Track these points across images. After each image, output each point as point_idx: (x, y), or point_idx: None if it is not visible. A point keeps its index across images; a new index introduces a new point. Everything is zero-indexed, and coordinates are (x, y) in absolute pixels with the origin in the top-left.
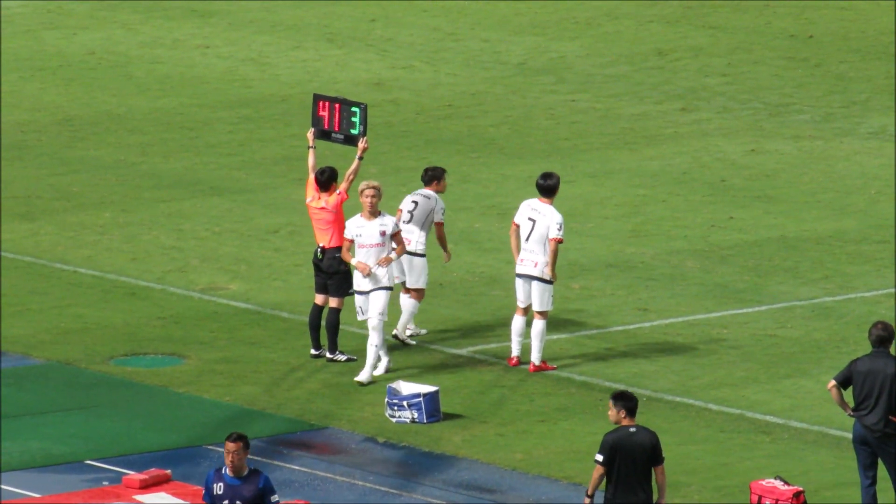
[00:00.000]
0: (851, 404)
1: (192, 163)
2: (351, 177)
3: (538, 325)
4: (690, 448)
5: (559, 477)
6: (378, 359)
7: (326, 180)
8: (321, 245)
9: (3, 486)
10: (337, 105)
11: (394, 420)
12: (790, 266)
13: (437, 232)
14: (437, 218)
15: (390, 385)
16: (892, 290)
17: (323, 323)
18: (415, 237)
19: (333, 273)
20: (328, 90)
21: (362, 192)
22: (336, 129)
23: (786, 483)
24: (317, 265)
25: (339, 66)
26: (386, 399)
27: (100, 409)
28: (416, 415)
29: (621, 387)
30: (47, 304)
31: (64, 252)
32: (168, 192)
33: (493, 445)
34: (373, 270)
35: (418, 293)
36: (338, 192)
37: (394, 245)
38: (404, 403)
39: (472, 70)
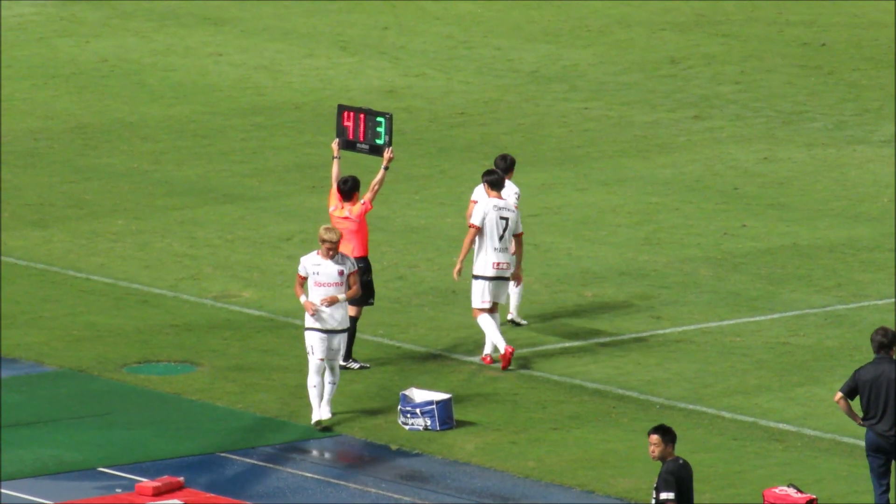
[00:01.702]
0: (860, 413)
1: (205, 170)
2: (376, 187)
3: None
4: (703, 456)
5: (572, 485)
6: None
7: (349, 189)
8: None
9: (16, 494)
10: (362, 115)
11: (407, 427)
12: (803, 274)
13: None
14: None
15: (403, 392)
16: None
17: None
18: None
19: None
20: (341, 98)
21: (322, 242)
22: (361, 139)
23: (799, 491)
24: None
25: (351, 73)
26: (399, 406)
27: (112, 416)
28: (429, 422)
29: (634, 394)
30: (60, 312)
31: (77, 259)
32: (181, 199)
33: (506, 453)
34: (322, 309)
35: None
36: (362, 201)
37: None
38: (417, 411)
39: (485, 78)
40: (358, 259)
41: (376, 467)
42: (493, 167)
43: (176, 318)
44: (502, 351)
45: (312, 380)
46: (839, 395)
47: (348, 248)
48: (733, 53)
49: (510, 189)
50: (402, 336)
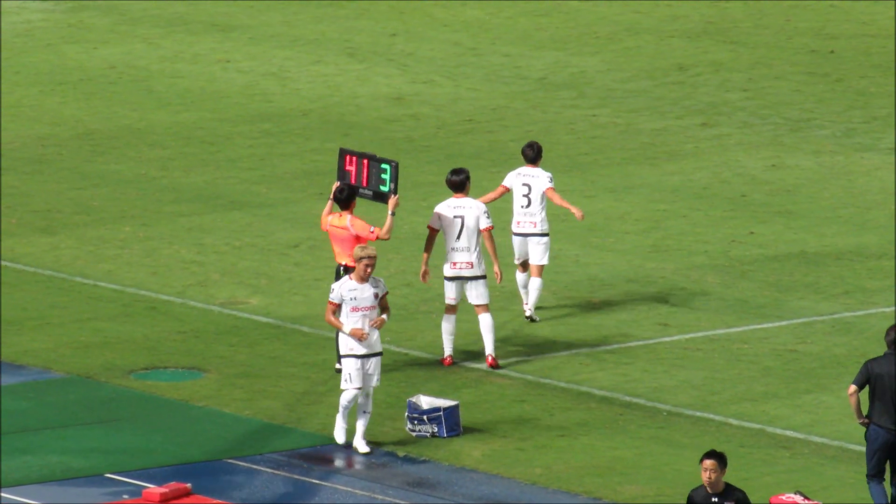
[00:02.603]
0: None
1: (213, 177)
2: (386, 236)
3: (486, 319)
4: None
5: (579, 491)
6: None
7: (346, 199)
8: (343, 264)
9: (24, 500)
10: (365, 161)
11: (414, 434)
12: (810, 281)
13: (556, 200)
14: (547, 185)
15: (410, 399)
16: None
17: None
18: (538, 218)
19: None
20: (349, 105)
21: (360, 260)
22: (364, 184)
23: (806, 498)
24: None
25: (359, 80)
26: (406, 413)
27: (120, 422)
28: (436, 429)
29: (641, 401)
30: (67, 318)
31: (84, 266)
32: (188, 206)
33: (513, 460)
34: (368, 334)
35: (541, 269)
36: (371, 229)
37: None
38: (424, 417)
39: (493, 85)
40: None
41: (383, 474)
42: (529, 146)
43: (183, 325)
44: (445, 356)
45: (343, 401)
46: (853, 387)
47: (346, 255)
48: (741, 61)
49: (543, 175)
50: (410, 343)
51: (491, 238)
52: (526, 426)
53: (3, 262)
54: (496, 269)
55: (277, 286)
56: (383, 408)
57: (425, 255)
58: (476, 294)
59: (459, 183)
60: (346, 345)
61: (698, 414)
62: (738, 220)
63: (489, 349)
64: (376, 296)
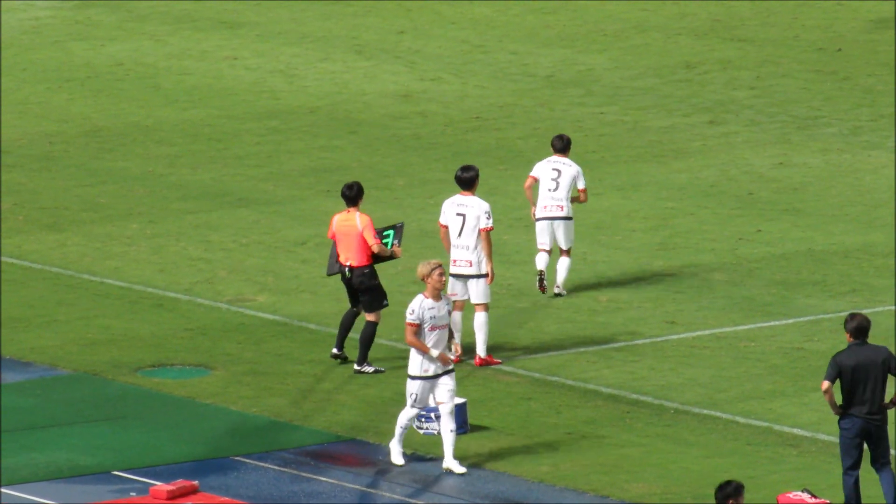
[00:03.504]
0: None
1: (220, 174)
2: (377, 250)
3: (480, 317)
4: (717, 461)
5: (586, 489)
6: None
7: (354, 196)
8: (349, 263)
9: (31, 497)
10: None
11: (421, 432)
12: (818, 279)
13: (582, 198)
14: (581, 185)
15: None
16: None
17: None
18: (565, 203)
19: (365, 289)
20: (356, 102)
21: (431, 273)
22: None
23: (813, 496)
24: (347, 283)
25: (367, 77)
26: None
27: (127, 420)
28: None
29: (648, 399)
30: (74, 315)
31: (91, 263)
32: (195, 203)
33: (520, 458)
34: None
35: (569, 251)
36: (375, 237)
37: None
38: (432, 415)
39: (501, 82)
40: (363, 266)
41: (391, 471)
42: (558, 137)
43: (190, 322)
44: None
45: (403, 420)
46: (826, 383)
47: (353, 255)
48: (749, 58)
49: (572, 168)
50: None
51: (488, 239)
52: (533, 424)
53: (11, 259)
54: (489, 268)
55: (284, 283)
56: (390, 405)
57: (447, 250)
58: (476, 293)
59: (467, 180)
60: (420, 366)
61: (705, 412)
62: (745, 218)
63: (479, 348)
64: (449, 312)
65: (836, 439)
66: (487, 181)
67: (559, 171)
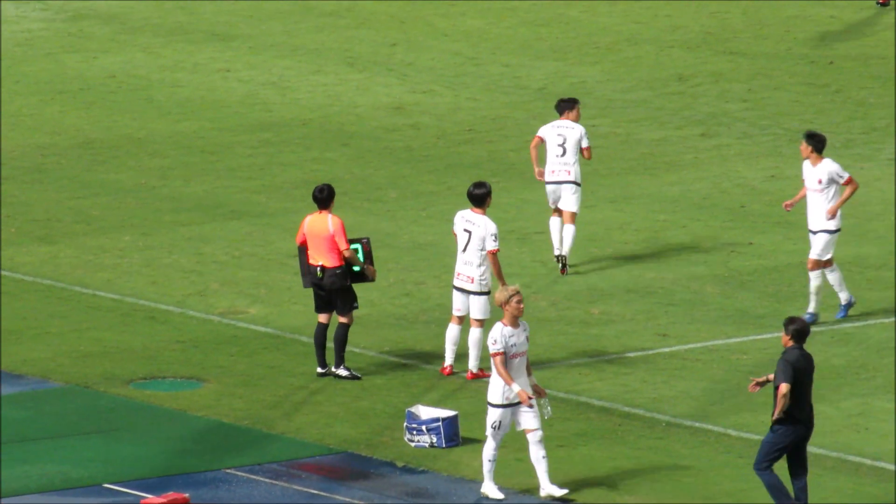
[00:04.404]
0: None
1: (213, 186)
2: (348, 255)
3: (476, 333)
4: (710, 474)
5: (578, 502)
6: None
7: (326, 198)
8: (320, 264)
9: None
10: None
11: (413, 444)
12: (810, 291)
13: (586, 155)
14: (585, 144)
15: (409, 409)
16: None
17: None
18: (572, 167)
19: (337, 290)
20: (349, 114)
21: (510, 300)
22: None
23: None
24: (317, 285)
25: (359, 90)
26: (405, 423)
27: (118, 432)
28: (434, 439)
29: (640, 412)
30: (66, 328)
31: (83, 275)
32: (188, 215)
33: (512, 470)
34: (531, 397)
35: (573, 216)
36: (346, 243)
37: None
38: (423, 428)
39: (493, 95)
40: (335, 267)
41: (382, 484)
42: (562, 100)
43: (183, 335)
44: (445, 364)
45: (489, 453)
46: (787, 385)
47: (324, 257)
48: (741, 71)
49: (575, 130)
50: (409, 353)
51: (495, 260)
52: (524, 437)
53: (3, 272)
54: (500, 282)
55: (277, 296)
56: (382, 417)
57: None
58: (475, 308)
59: (479, 197)
60: (502, 394)
61: (697, 424)
62: (737, 231)
63: (472, 363)
64: (527, 338)
65: (827, 452)
66: None
67: (564, 137)
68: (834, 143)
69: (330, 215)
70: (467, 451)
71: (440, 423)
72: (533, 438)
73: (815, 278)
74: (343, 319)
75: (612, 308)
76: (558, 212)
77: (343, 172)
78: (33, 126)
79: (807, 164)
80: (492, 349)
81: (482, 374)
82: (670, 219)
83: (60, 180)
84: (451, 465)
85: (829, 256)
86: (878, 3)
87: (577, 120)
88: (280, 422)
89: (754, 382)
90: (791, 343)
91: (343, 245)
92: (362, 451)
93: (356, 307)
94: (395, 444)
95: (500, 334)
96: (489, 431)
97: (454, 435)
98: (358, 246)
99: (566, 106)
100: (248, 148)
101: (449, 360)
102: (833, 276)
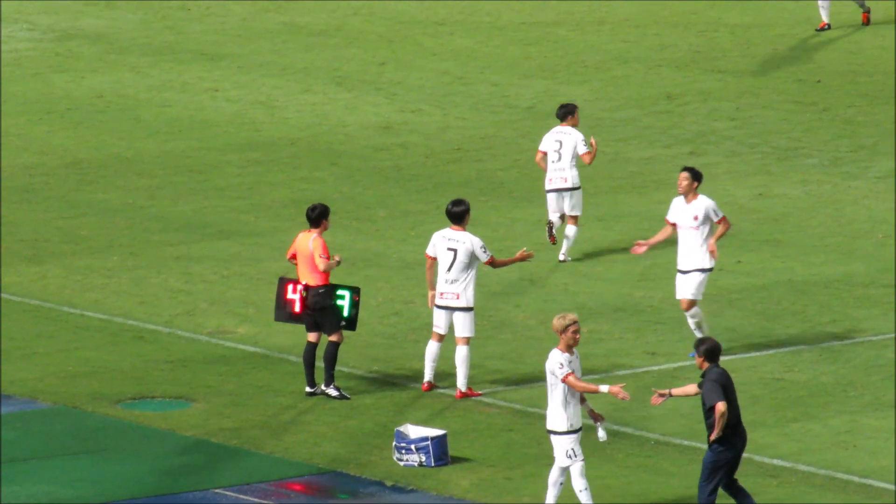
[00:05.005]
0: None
1: (201, 206)
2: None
3: (462, 350)
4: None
5: None
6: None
7: (318, 217)
8: (304, 283)
9: None
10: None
11: (402, 464)
12: (798, 310)
13: (586, 160)
14: (581, 150)
15: (398, 428)
16: None
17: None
18: (568, 173)
19: (320, 309)
20: (337, 133)
21: (566, 329)
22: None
23: None
24: (303, 304)
25: (348, 109)
26: (394, 443)
27: (107, 452)
28: (423, 458)
29: (629, 430)
30: (55, 348)
31: (71, 295)
32: (176, 235)
33: (501, 489)
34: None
35: (576, 219)
36: (324, 257)
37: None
38: (412, 447)
39: (482, 114)
40: (319, 287)
41: (371, 503)
42: (562, 106)
43: (171, 354)
44: (424, 381)
45: (558, 478)
46: (725, 404)
47: (309, 276)
48: (729, 90)
49: (572, 136)
50: (398, 372)
51: (498, 263)
52: (514, 455)
53: None
54: (519, 254)
55: (266, 315)
56: (371, 437)
57: (428, 282)
58: (461, 326)
59: (458, 215)
60: (567, 421)
61: (686, 443)
62: (725, 249)
63: (460, 381)
64: (580, 366)
65: (816, 470)
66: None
67: (560, 143)
68: (822, 161)
69: (314, 235)
70: (456, 470)
71: (429, 443)
72: (575, 470)
73: (691, 317)
74: (332, 338)
75: (601, 326)
76: (562, 218)
77: (332, 192)
78: (21, 146)
79: (679, 202)
80: (560, 374)
81: (471, 393)
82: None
83: (48, 200)
84: (439, 484)
85: (701, 296)
86: (816, 29)
87: (576, 126)
88: (269, 441)
89: (657, 394)
90: (707, 364)
91: (318, 259)
92: (351, 471)
93: (344, 326)
94: (384, 464)
95: (564, 358)
96: (563, 461)
97: (443, 454)
98: (347, 292)
99: (566, 112)
100: (236, 167)
101: (428, 376)
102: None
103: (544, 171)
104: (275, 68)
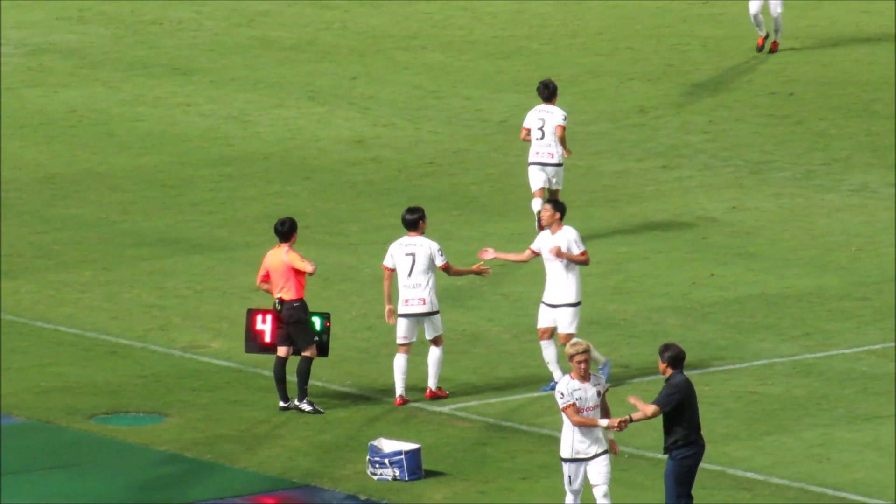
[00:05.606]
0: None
1: (174, 221)
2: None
3: (436, 352)
4: None
5: None
6: None
7: (287, 231)
8: (279, 297)
9: None
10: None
11: (375, 478)
12: (771, 323)
13: (559, 133)
14: (561, 123)
15: (372, 442)
16: (873, 347)
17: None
18: (554, 149)
19: (294, 322)
20: (310, 148)
21: (572, 358)
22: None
23: None
24: (277, 318)
25: (320, 123)
26: (367, 457)
27: (81, 467)
28: (397, 472)
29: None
30: (28, 363)
31: (45, 310)
32: (149, 250)
33: (475, 503)
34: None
35: (558, 194)
36: (307, 265)
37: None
38: (386, 461)
39: (454, 128)
40: (293, 300)
41: None
42: (544, 86)
43: (144, 369)
44: (396, 395)
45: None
46: (656, 409)
47: (283, 290)
48: (702, 103)
49: (554, 115)
50: (371, 386)
51: (454, 269)
52: (488, 469)
53: None
54: (475, 267)
55: (239, 330)
56: (344, 451)
57: (385, 294)
58: (431, 328)
59: (412, 221)
60: (571, 447)
61: (659, 456)
62: (698, 262)
63: (431, 381)
64: (598, 393)
65: (789, 483)
66: (441, 226)
67: (543, 120)
68: (795, 174)
69: (286, 249)
70: (430, 484)
71: (403, 457)
72: (598, 493)
73: (571, 347)
74: (306, 353)
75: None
76: (541, 192)
77: (305, 206)
78: None
79: (545, 234)
80: (560, 403)
81: (440, 393)
82: (632, 250)
83: (21, 215)
84: (413, 498)
85: (575, 328)
86: (757, 49)
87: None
88: (243, 456)
89: (619, 423)
90: (670, 370)
91: (309, 269)
92: (325, 485)
93: (317, 340)
94: (358, 478)
95: (567, 388)
96: (566, 487)
97: (417, 468)
98: (318, 318)
99: (550, 93)
100: (209, 182)
101: (399, 390)
102: (549, 352)
103: (524, 138)
104: (247, 83)
